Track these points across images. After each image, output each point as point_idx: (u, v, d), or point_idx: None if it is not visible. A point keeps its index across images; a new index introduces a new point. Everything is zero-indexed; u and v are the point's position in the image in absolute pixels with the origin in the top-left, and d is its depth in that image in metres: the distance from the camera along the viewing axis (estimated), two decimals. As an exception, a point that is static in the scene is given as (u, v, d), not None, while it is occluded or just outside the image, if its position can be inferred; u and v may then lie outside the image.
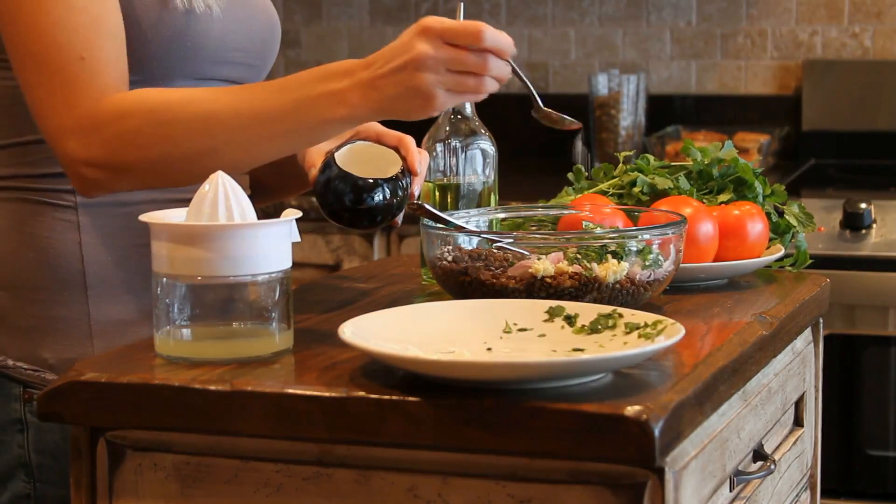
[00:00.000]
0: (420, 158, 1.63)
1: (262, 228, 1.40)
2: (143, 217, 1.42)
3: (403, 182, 1.61)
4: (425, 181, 1.75)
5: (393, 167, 1.61)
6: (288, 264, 1.42)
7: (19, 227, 1.65)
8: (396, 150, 1.64)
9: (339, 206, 1.58)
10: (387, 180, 1.59)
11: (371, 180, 1.58)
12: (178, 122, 1.53)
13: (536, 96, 1.60)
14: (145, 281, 1.64)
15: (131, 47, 1.60)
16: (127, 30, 1.60)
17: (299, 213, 1.45)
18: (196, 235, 1.38)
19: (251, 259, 1.38)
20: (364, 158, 1.62)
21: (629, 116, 3.45)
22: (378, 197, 1.58)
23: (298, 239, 1.45)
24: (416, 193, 1.63)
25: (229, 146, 1.53)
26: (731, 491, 1.46)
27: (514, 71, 1.53)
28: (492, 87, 1.49)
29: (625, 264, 1.54)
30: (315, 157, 1.65)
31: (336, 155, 1.60)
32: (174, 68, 1.62)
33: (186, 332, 1.40)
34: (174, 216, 1.43)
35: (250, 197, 1.49)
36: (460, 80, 1.47)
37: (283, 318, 1.41)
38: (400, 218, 1.63)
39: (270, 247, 1.40)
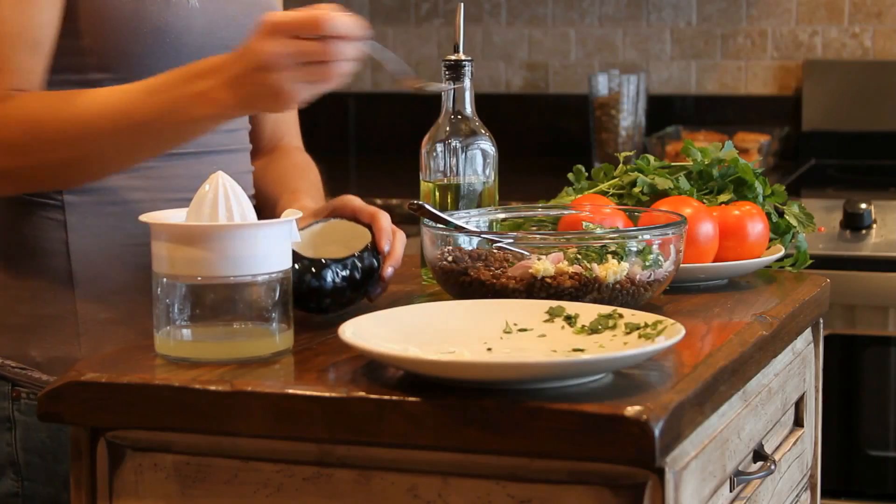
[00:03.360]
0: (393, 238, 1.60)
1: (262, 229, 1.40)
2: (144, 217, 1.42)
3: (365, 262, 1.54)
4: (425, 181, 1.75)
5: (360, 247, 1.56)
6: (288, 264, 1.42)
7: (8, 226, 1.66)
8: (370, 227, 1.60)
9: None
10: (338, 261, 1.52)
11: (321, 260, 1.52)
12: (54, 132, 1.56)
13: (397, 67, 1.57)
14: (134, 280, 1.65)
15: (108, 45, 1.61)
16: (102, 27, 1.61)
17: (299, 214, 1.45)
18: (196, 235, 1.38)
19: (251, 259, 1.38)
20: (336, 238, 1.57)
21: (629, 117, 3.45)
22: (327, 278, 1.51)
23: (298, 239, 1.46)
24: (387, 275, 1.57)
25: (104, 150, 1.57)
26: (731, 491, 1.46)
27: (372, 49, 1.51)
28: (345, 69, 1.50)
29: (625, 264, 1.54)
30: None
31: (308, 231, 1.56)
32: (156, 65, 1.63)
33: (186, 332, 1.40)
34: (174, 216, 1.44)
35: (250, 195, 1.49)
36: (311, 70, 1.48)
37: (283, 318, 1.41)
38: (374, 295, 1.58)
39: (270, 247, 1.40)
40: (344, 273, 1.52)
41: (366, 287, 1.56)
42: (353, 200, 1.64)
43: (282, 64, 1.47)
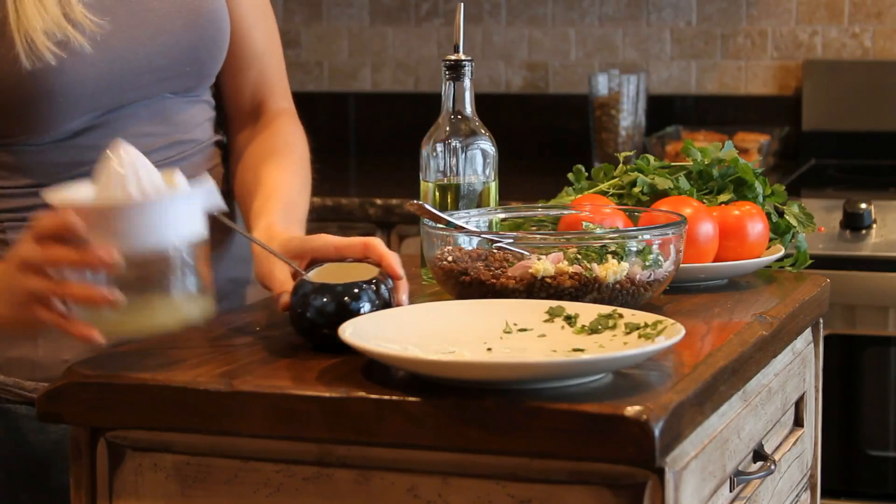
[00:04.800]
0: (397, 259, 1.51)
1: (169, 201, 1.37)
2: (48, 197, 1.38)
3: (387, 285, 1.47)
4: (425, 181, 1.75)
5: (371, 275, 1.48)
6: (199, 232, 1.39)
7: None
8: (365, 260, 1.52)
9: (322, 318, 1.43)
10: (368, 282, 1.45)
11: (354, 287, 1.44)
12: None
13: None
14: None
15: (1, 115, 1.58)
16: None
17: (210, 182, 1.41)
18: (101, 212, 1.35)
19: (160, 231, 1.36)
20: (337, 277, 1.48)
21: (629, 116, 3.45)
22: (365, 303, 1.44)
23: (221, 206, 1.42)
24: (405, 300, 1.49)
25: None
26: (731, 491, 1.46)
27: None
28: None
29: (625, 264, 1.54)
30: (281, 278, 1.52)
31: (308, 275, 1.49)
32: (59, 126, 1.60)
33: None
34: (81, 191, 1.40)
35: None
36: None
37: (196, 287, 1.39)
38: None
39: (179, 217, 1.37)
40: (376, 296, 1.46)
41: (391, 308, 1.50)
42: (332, 240, 1.53)
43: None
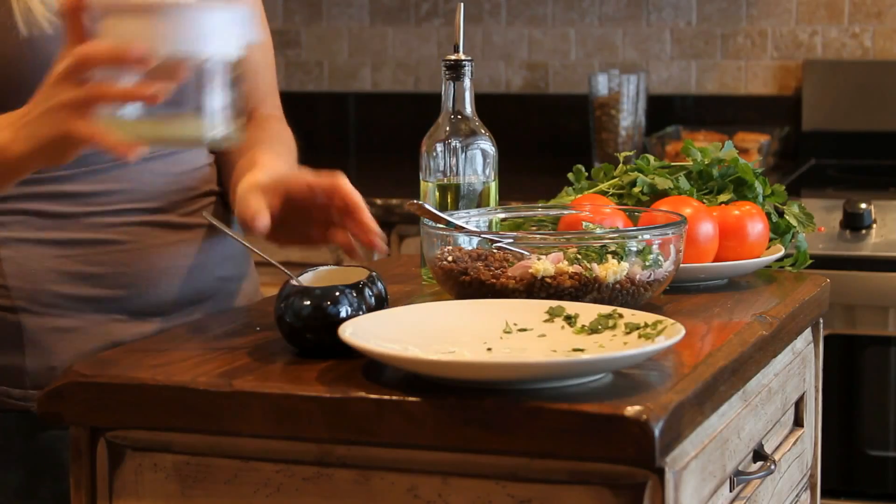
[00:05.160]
0: (357, 197, 1.50)
1: (207, 11, 1.36)
2: None
3: (374, 289, 1.45)
4: (425, 181, 1.75)
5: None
6: (235, 53, 1.38)
7: None
8: (354, 263, 1.50)
9: (300, 322, 1.41)
10: (350, 286, 1.43)
11: (332, 288, 1.42)
12: None
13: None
14: (76, 289, 1.62)
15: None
16: None
17: (248, 9, 1.39)
18: (137, 11, 1.34)
19: (195, 40, 1.34)
20: (329, 281, 1.46)
21: (629, 116, 3.45)
22: (344, 307, 1.41)
23: (254, 36, 1.40)
24: (380, 244, 1.48)
25: None
26: (731, 491, 1.46)
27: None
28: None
29: (625, 264, 1.54)
30: (255, 204, 1.51)
31: (296, 279, 1.46)
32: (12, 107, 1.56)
33: (129, 110, 1.35)
34: None
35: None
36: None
37: (228, 106, 1.37)
38: None
39: (214, 31, 1.35)
40: (357, 301, 1.43)
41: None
42: (305, 177, 1.52)
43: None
